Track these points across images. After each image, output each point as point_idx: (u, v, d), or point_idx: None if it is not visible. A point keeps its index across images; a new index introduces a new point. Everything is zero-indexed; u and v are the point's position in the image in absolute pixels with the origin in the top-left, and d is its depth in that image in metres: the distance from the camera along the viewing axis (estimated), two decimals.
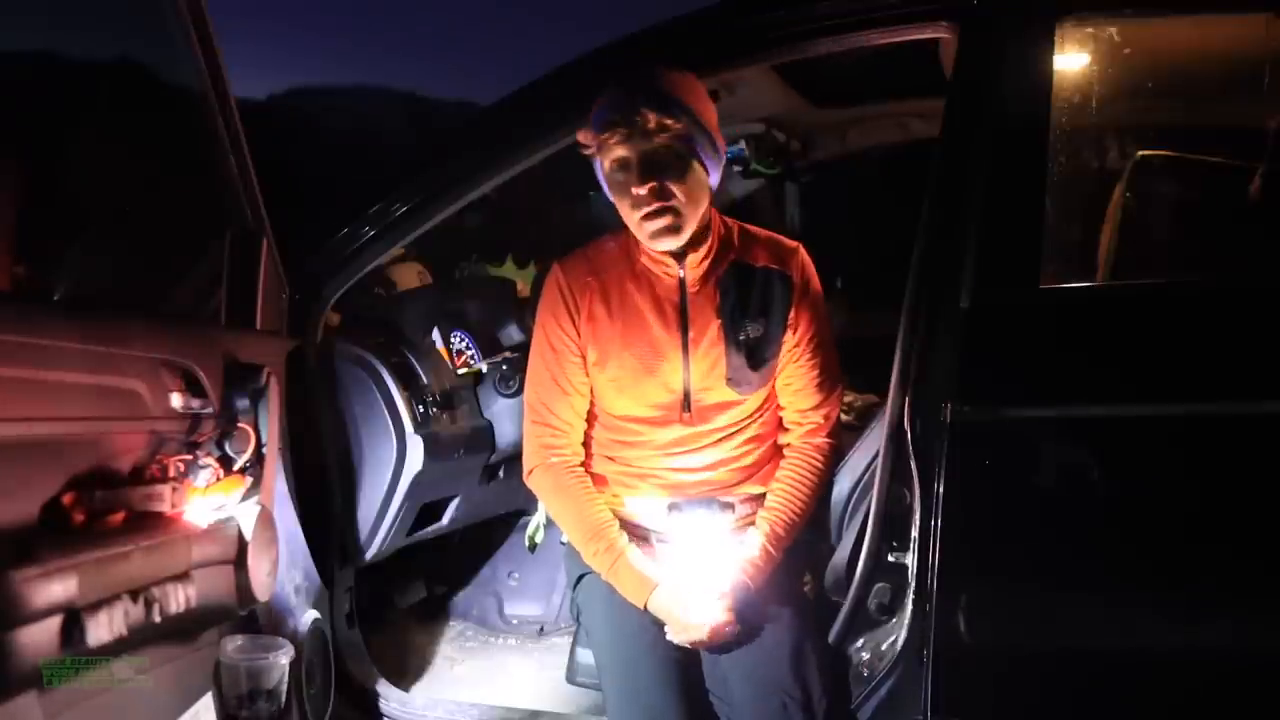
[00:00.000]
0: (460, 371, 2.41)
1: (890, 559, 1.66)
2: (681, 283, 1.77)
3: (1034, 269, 1.60)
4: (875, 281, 2.70)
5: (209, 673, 1.64)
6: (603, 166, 1.70)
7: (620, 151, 1.66)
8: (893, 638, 1.64)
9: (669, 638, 1.69)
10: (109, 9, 1.58)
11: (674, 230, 1.68)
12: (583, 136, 1.70)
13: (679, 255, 1.75)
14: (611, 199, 1.73)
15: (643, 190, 1.64)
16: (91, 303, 1.46)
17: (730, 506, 1.81)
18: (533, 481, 1.85)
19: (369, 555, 2.20)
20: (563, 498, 1.81)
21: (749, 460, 1.82)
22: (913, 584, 1.60)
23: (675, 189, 1.65)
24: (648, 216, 1.67)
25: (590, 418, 1.85)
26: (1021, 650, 1.59)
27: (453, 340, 2.44)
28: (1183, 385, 1.54)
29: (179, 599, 1.35)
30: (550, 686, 2.44)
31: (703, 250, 1.76)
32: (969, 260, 1.60)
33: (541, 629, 2.78)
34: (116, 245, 1.57)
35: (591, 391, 1.83)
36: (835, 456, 1.83)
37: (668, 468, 1.80)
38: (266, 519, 1.56)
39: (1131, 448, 1.56)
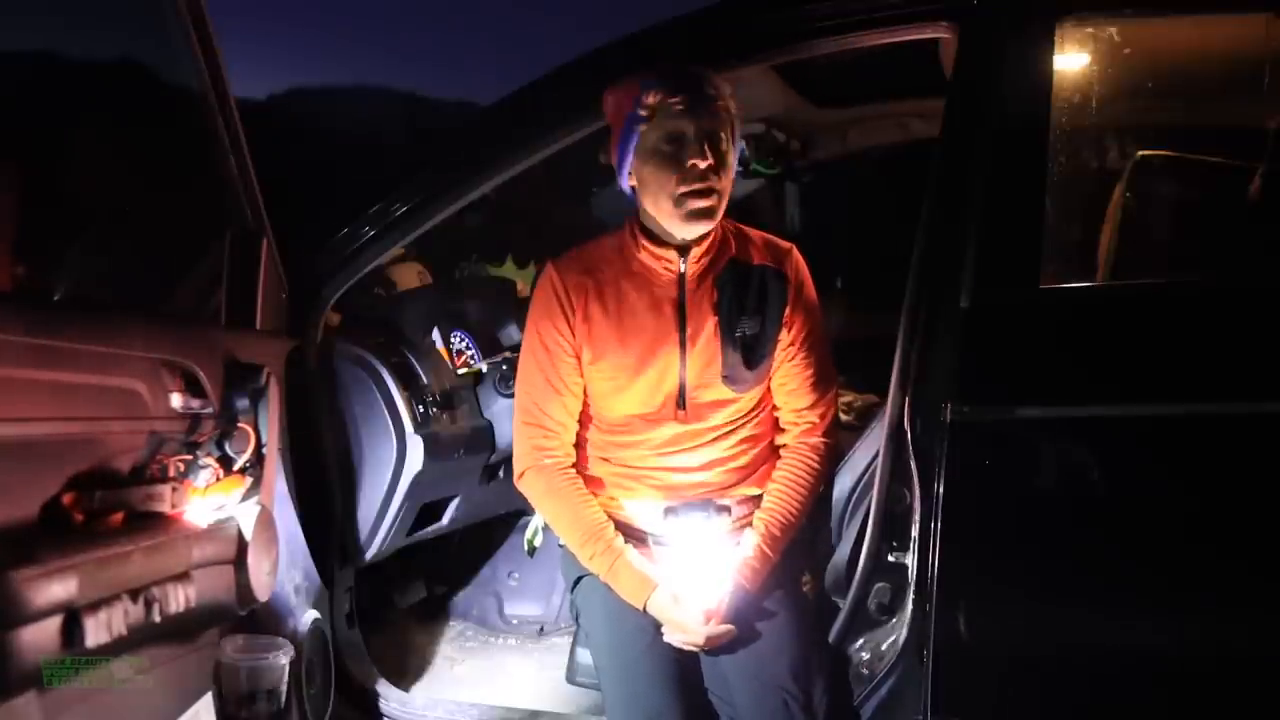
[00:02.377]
0: (460, 371, 2.41)
1: (890, 559, 1.66)
2: (681, 278, 1.76)
3: (1034, 269, 1.60)
4: (875, 281, 2.70)
5: (209, 673, 1.65)
6: (644, 140, 1.67)
7: (679, 123, 1.65)
8: (893, 638, 1.64)
9: (666, 639, 1.69)
10: (109, 9, 1.58)
11: (710, 214, 1.69)
12: (648, 98, 1.65)
13: (682, 250, 1.75)
14: (643, 176, 1.69)
15: (702, 164, 1.64)
16: (91, 303, 1.46)
17: (726, 509, 1.80)
18: (524, 484, 1.84)
19: (369, 555, 2.20)
20: (556, 500, 1.80)
21: (744, 461, 1.82)
22: (913, 584, 1.60)
23: (722, 173, 1.68)
24: (694, 194, 1.65)
25: (583, 419, 1.84)
26: (1021, 650, 1.59)
27: (453, 340, 2.44)
28: (1183, 385, 1.54)
29: (179, 599, 1.35)
30: (550, 686, 2.44)
31: (704, 245, 1.75)
32: (969, 260, 1.60)
33: (541, 629, 2.78)
34: (116, 245, 1.57)
35: (585, 393, 1.82)
36: (832, 456, 1.83)
37: (663, 468, 1.80)
38: (266, 519, 1.56)
39: (1132, 448, 1.56)
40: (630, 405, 1.79)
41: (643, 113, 1.66)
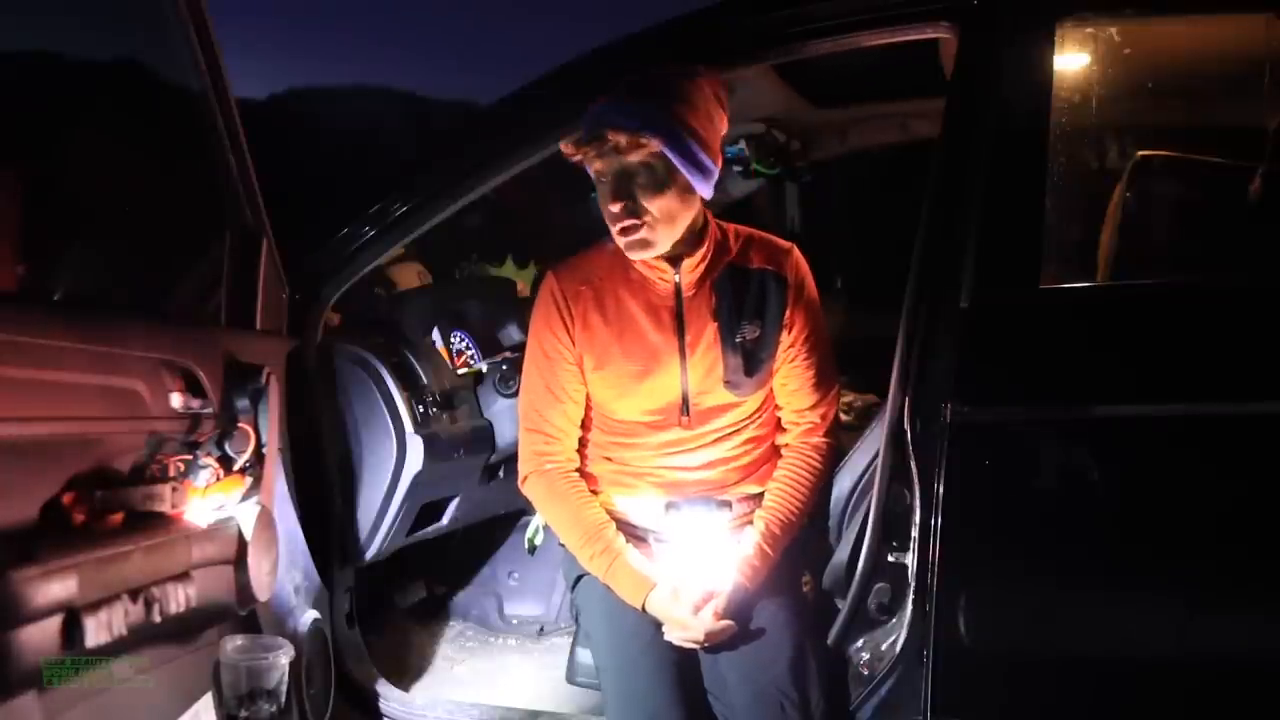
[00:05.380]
0: (460, 371, 2.41)
1: (890, 559, 1.66)
2: (677, 288, 1.77)
3: (1034, 269, 1.60)
4: (875, 281, 2.70)
5: (209, 673, 1.64)
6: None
7: (595, 165, 1.67)
8: (893, 638, 1.64)
9: (666, 637, 1.69)
10: (109, 9, 1.57)
11: (644, 245, 1.69)
12: (564, 147, 1.69)
13: (674, 260, 1.75)
14: None
15: (614, 208, 1.65)
16: (91, 303, 1.46)
17: (728, 505, 1.81)
18: (527, 489, 1.85)
19: (369, 555, 2.20)
20: (558, 503, 1.81)
21: (746, 460, 1.82)
22: (913, 584, 1.60)
23: (648, 205, 1.65)
24: (620, 231, 1.69)
25: (585, 422, 1.85)
26: (1021, 650, 1.59)
27: (453, 340, 2.44)
28: (1183, 385, 1.54)
29: (179, 599, 1.35)
30: (550, 686, 2.44)
31: (698, 256, 1.76)
32: (969, 260, 1.60)
33: (541, 629, 2.78)
34: (116, 245, 1.57)
35: (587, 398, 1.83)
36: (833, 455, 1.83)
37: (664, 466, 1.81)
38: (266, 519, 1.56)
39: (1131, 448, 1.56)
40: (633, 411, 1.79)
41: (567, 157, 1.70)
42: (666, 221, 1.68)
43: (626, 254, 1.73)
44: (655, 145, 1.61)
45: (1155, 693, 1.54)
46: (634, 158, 1.63)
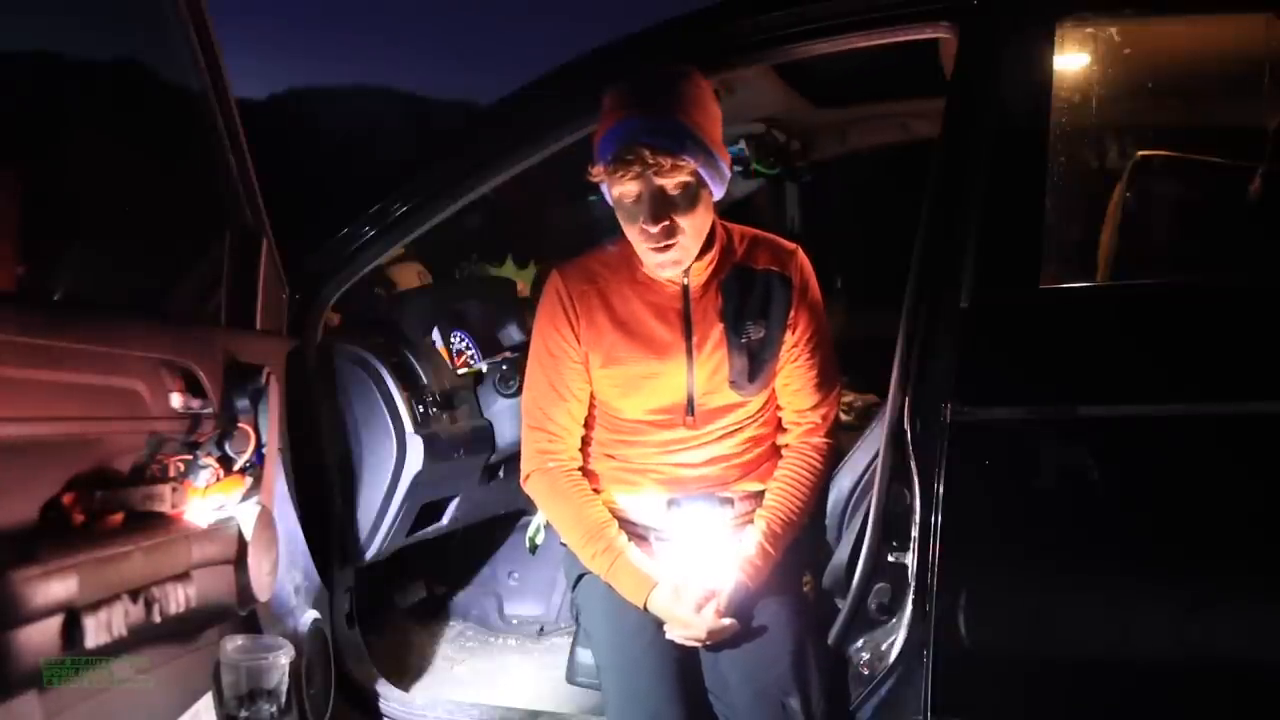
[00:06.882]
0: (460, 371, 2.41)
1: (890, 559, 1.66)
2: (685, 289, 1.77)
3: (1034, 269, 1.60)
4: (875, 281, 2.70)
5: (209, 673, 1.64)
6: (610, 191, 1.69)
7: (630, 186, 1.65)
8: (893, 638, 1.64)
9: (668, 636, 1.69)
10: (109, 9, 1.57)
11: (677, 263, 1.71)
12: (594, 170, 1.68)
13: None
14: (618, 217, 1.72)
15: (654, 229, 1.64)
16: (91, 303, 1.46)
17: (730, 502, 1.81)
18: (530, 487, 1.85)
19: (369, 555, 2.20)
20: (560, 501, 1.81)
21: (748, 457, 1.83)
22: (913, 584, 1.60)
23: (683, 223, 1.65)
24: (655, 250, 1.68)
25: (588, 420, 1.85)
26: (1021, 650, 1.59)
27: (453, 340, 2.44)
28: (1182, 385, 1.54)
29: (179, 599, 1.35)
30: (550, 686, 2.44)
31: (707, 259, 1.76)
32: (969, 260, 1.60)
33: (541, 629, 2.78)
34: (116, 245, 1.57)
35: (591, 395, 1.83)
36: (833, 456, 1.83)
37: (667, 463, 1.81)
38: (266, 519, 1.56)
39: (1131, 448, 1.56)
40: (638, 410, 1.79)
41: (594, 181, 1.69)
42: (696, 235, 1.69)
43: (657, 272, 1.74)
44: (693, 165, 1.62)
45: (1155, 693, 1.54)
46: (672, 178, 1.62)
